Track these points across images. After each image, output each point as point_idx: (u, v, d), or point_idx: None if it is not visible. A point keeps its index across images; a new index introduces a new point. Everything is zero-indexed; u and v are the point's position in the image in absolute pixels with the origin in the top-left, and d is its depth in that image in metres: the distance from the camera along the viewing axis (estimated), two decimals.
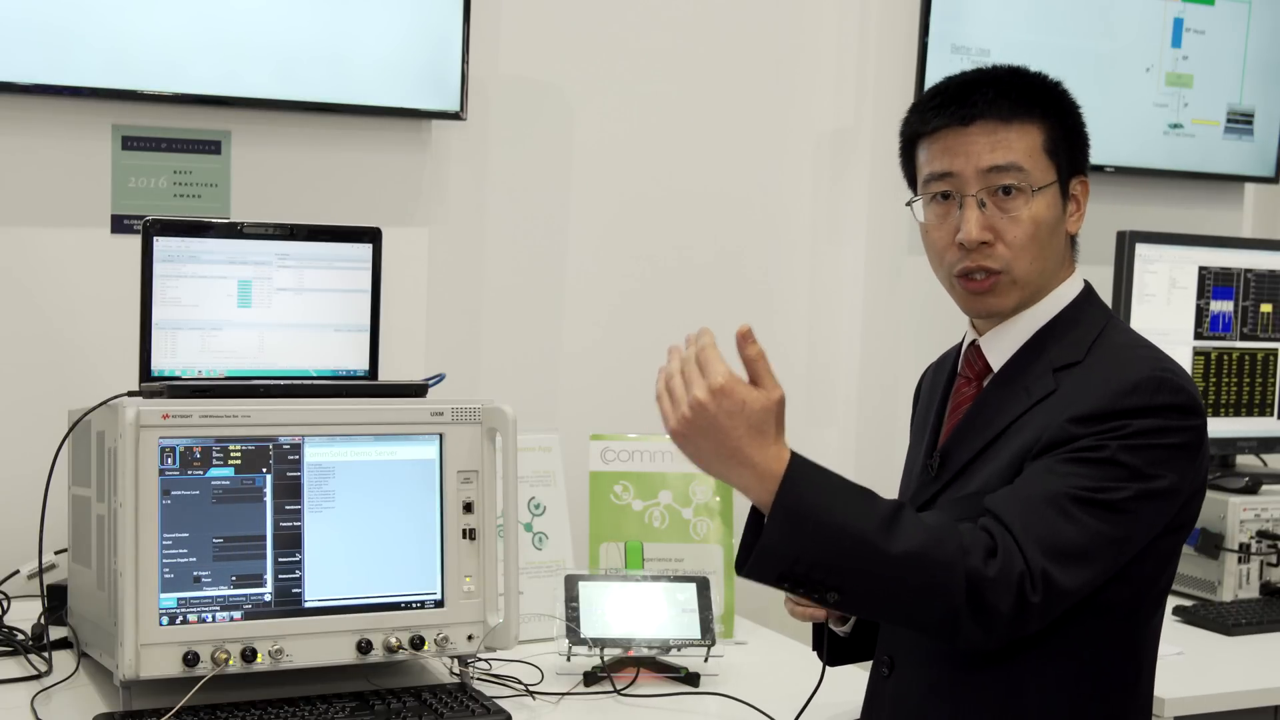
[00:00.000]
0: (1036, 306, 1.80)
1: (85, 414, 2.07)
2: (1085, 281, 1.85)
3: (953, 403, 1.87)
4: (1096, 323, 1.79)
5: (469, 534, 2.08)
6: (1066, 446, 1.64)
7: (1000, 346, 1.82)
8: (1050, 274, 1.80)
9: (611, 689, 2.17)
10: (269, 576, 1.97)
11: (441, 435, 2.08)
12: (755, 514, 1.60)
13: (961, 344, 1.91)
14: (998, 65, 1.84)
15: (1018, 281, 1.77)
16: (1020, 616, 1.57)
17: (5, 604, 2.33)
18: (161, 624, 1.90)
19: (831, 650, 1.94)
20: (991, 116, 1.76)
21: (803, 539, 1.54)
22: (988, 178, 1.75)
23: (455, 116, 2.76)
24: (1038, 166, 1.76)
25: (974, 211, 1.75)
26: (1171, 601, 2.35)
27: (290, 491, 2.00)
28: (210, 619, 1.93)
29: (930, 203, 1.81)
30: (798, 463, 1.56)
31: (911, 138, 1.84)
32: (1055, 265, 1.80)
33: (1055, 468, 1.64)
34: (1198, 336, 3.12)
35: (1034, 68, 1.83)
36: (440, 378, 2.26)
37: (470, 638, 2.07)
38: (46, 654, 2.14)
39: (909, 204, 1.84)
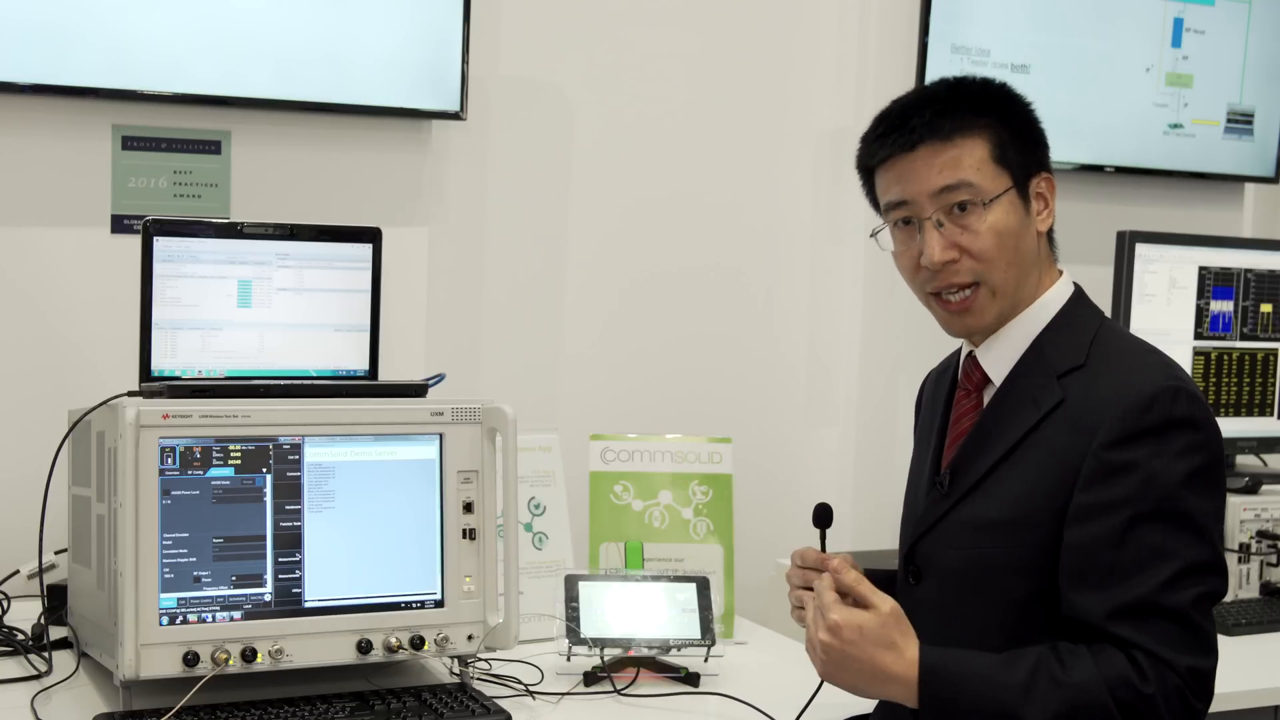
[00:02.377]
0: (1028, 313, 1.79)
1: (85, 414, 2.07)
2: (1075, 284, 1.84)
3: (954, 414, 1.87)
4: (1091, 324, 1.79)
5: (469, 534, 2.08)
6: (1110, 481, 1.64)
7: (997, 357, 1.81)
8: (1027, 278, 1.79)
9: (611, 689, 2.17)
10: (269, 576, 1.97)
11: (441, 435, 2.08)
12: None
13: (960, 352, 1.91)
14: (939, 80, 1.84)
15: (995, 291, 1.76)
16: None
17: (5, 604, 2.33)
18: (161, 624, 1.90)
19: None
20: (933, 138, 1.75)
21: None
22: (940, 198, 1.75)
23: (455, 116, 2.76)
24: (987, 178, 1.75)
25: (933, 234, 1.75)
26: None
27: (290, 491, 2.00)
28: (210, 619, 1.93)
29: (894, 230, 1.82)
30: (927, 661, 1.63)
31: (866, 169, 1.85)
32: (1031, 268, 1.79)
33: (1132, 542, 1.63)
34: (1198, 336, 3.12)
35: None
36: (440, 378, 2.26)
37: (470, 638, 2.07)
38: (46, 654, 2.14)
39: (873, 235, 1.84)
